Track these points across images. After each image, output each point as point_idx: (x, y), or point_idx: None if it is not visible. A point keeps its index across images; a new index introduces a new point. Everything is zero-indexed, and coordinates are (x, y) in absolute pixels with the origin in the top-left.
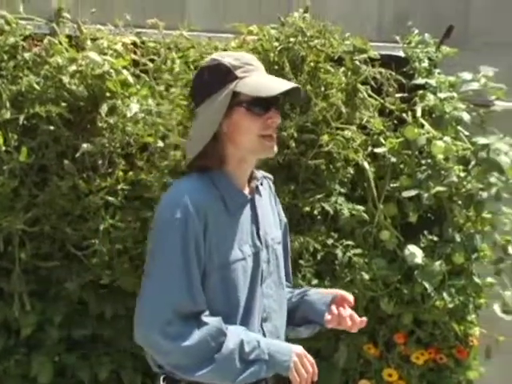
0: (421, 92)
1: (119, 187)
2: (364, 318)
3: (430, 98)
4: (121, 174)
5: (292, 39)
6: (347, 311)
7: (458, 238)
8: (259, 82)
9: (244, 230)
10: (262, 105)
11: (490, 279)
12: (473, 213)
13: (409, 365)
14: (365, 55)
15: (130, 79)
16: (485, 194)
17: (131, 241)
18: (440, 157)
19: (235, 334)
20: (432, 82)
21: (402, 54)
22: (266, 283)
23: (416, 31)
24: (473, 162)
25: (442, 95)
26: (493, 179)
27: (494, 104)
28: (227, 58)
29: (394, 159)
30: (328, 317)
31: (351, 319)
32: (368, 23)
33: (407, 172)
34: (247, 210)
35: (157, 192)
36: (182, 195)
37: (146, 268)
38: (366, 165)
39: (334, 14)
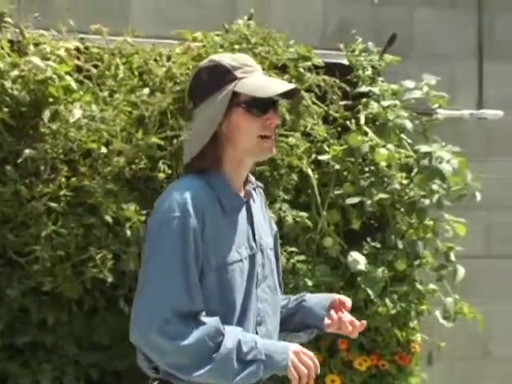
0: (364, 100)
1: (62, 193)
2: (364, 322)
3: (374, 106)
4: (63, 180)
5: (236, 46)
6: (347, 316)
7: (400, 244)
8: (258, 82)
9: (240, 232)
10: (260, 106)
11: (431, 286)
12: (415, 220)
13: (351, 371)
14: (309, 63)
15: (73, 85)
16: (427, 202)
17: (74, 247)
18: (383, 164)
19: (233, 334)
20: (375, 90)
21: (345, 62)
22: (260, 287)
23: (360, 39)
24: (415, 170)
25: (385, 103)
26: (435, 186)
27: (436, 112)
28: (226, 59)
29: (337, 166)
30: (328, 321)
31: (351, 324)
32: (312, 31)
33: (350, 179)
34: (243, 213)
35: (99, 198)
36: (179, 195)
37: (144, 268)
38: (309, 172)
39: (279, 22)
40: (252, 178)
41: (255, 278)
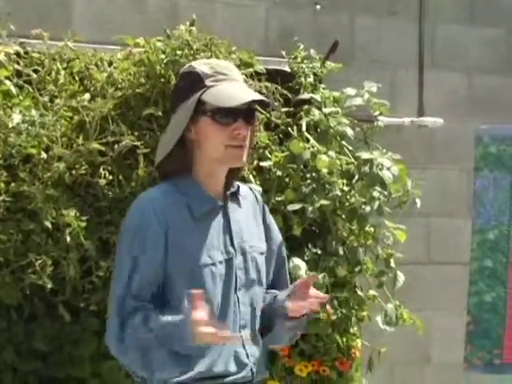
0: (306, 107)
1: (1, 199)
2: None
3: (315, 113)
4: (3, 185)
5: (178, 52)
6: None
7: (341, 251)
8: (225, 91)
9: (214, 236)
10: (227, 115)
11: (372, 292)
12: (356, 226)
13: (292, 377)
14: (251, 69)
15: (13, 90)
16: (368, 208)
17: (13, 253)
18: (324, 171)
19: (158, 331)
20: (317, 97)
21: (287, 68)
22: (242, 291)
23: (302, 46)
24: (356, 177)
25: (326, 110)
26: (375, 193)
27: (377, 119)
28: (202, 66)
29: (279, 173)
30: (288, 303)
31: (316, 297)
32: (254, 38)
33: (292, 186)
34: (219, 217)
35: (39, 204)
36: (144, 202)
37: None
38: (251, 178)
39: (221, 28)
40: (234, 183)
41: (234, 281)
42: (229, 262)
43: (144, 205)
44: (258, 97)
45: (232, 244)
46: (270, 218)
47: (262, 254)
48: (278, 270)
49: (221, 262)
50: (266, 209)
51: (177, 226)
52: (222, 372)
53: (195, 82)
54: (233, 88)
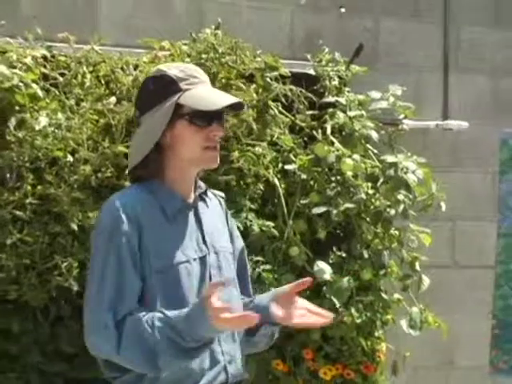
0: (331, 110)
1: (27, 201)
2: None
3: (340, 116)
4: (29, 188)
5: (204, 55)
6: (300, 303)
7: (366, 254)
8: (202, 95)
9: (187, 234)
10: (204, 118)
11: (397, 295)
12: (381, 230)
13: (317, 380)
14: (276, 72)
15: (40, 93)
16: (392, 212)
17: (39, 256)
18: (349, 174)
19: (163, 330)
20: (342, 100)
21: (312, 72)
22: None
23: (326, 50)
24: (381, 180)
25: (351, 113)
26: (400, 197)
27: (402, 123)
28: (173, 70)
29: (304, 176)
30: (274, 308)
31: (311, 312)
32: (280, 41)
33: (317, 189)
34: (191, 217)
35: (65, 207)
36: (115, 203)
37: (88, 273)
38: (276, 181)
39: (246, 31)
40: (201, 184)
41: (208, 279)
42: (203, 260)
43: (116, 206)
44: (235, 99)
45: (204, 242)
46: (233, 223)
47: (231, 254)
48: (241, 275)
49: (195, 260)
50: (229, 214)
51: (150, 226)
52: (196, 368)
53: (168, 85)
54: (209, 91)
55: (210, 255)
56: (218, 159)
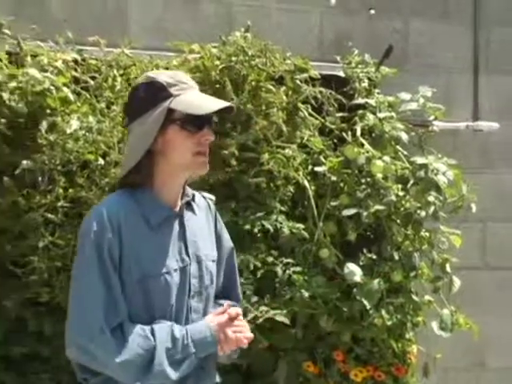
0: (360, 112)
1: (59, 204)
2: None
3: (370, 118)
4: (61, 191)
5: (233, 58)
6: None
7: (396, 256)
8: (193, 100)
9: (170, 244)
10: (195, 123)
11: (427, 297)
12: (411, 231)
13: (348, 382)
14: (305, 74)
15: (71, 96)
16: (423, 213)
17: (71, 258)
18: (379, 176)
19: (161, 341)
20: (371, 101)
21: (342, 73)
22: (195, 298)
23: (356, 51)
24: (411, 182)
25: (381, 115)
26: (431, 198)
27: (432, 124)
28: (162, 76)
29: (334, 178)
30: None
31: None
32: (309, 43)
33: (347, 191)
34: (175, 226)
35: None
36: (98, 211)
37: (71, 280)
38: (306, 183)
39: (275, 33)
40: (188, 191)
41: (187, 289)
42: (183, 270)
43: (98, 213)
44: (226, 104)
45: (187, 252)
46: (221, 226)
47: (213, 261)
48: (229, 278)
49: (175, 270)
50: (218, 216)
51: (131, 235)
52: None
53: (159, 91)
54: (199, 96)
55: (191, 265)
56: (208, 166)
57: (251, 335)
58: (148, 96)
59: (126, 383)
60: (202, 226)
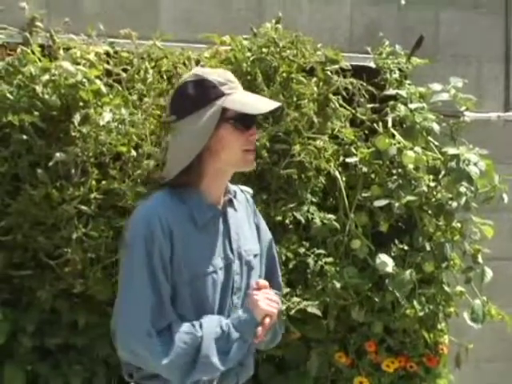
0: (392, 103)
1: (92, 196)
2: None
3: (401, 109)
4: (94, 183)
5: (264, 50)
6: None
7: (428, 246)
8: (246, 99)
9: (216, 243)
10: (246, 122)
11: (459, 288)
12: (443, 222)
13: (379, 373)
14: (336, 66)
15: (103, 89)
16: (454, 204)
17: (104, 250)
18: (410, 167)
19: (211, 331)
20: (403, 92)
21: (373, 64)
22: (237, 294)
23: (387, 42)
24: (443, 172)
25: (412, 106)
26: (462, 189)
27: (463, 115)
28: (212, 75)
29: (365, 169)
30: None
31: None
32: (340, 34)
33: (378, 181)
34: (219, 224)
35: (130, 201)
36: (148, 211)
37: (120, 281)
38: (337, 174)
39: (306, 25)
40: (231, 187)
41: (231, 286)
42: (228, 268)
43: (149, 214)
44: (277, 104)
45: (231, 249)
46: (259, 218)
47: (255, 256)
48: (270, 269)
49: (221, 269)
50: (256, 209)
51: (181, 236)
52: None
53: (211, 89)
54: (248, 95)
55: (234, 262)
56: (255, 163)
57: (279, 301)
58: (199, 94)
59: (176, 380)
60: (243, 221)
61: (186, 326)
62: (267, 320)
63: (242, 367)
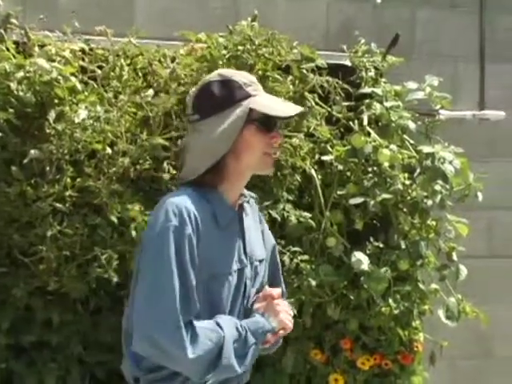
0: (367, 101)
1: (67, 194)
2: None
3: (377, 107)
4: (69, 180)
5: (240, 47)
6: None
7: (403, 244)
8: (270, 101)
9: (232, 245)
10: (270, 124)
11: (434, 286)
12: (418, 220)
13: (355, 370)
14: (312, 64)
15: (79, 86)
16: (430, 202)
17: (79, 247)
18: (386, 165)
19: (230, 333)
20: (378, 91)
21: (348, 63)
22: (246, 300)
23: (362, 41)
24: (418, 170)
25: (388, 104)
26: (437, 187)
27: (438, 113)
28: (237, 76)
29: (340, 167)
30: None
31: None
32: (315, 32)
33: (354, 179)
34: (236, 226)
35: (104, 198)
36: (176, 205)
37: (143, 272)
38: (313, 172)
39: (282, 23)
40: (245, 192)
41: (242, 290)
42: (241, 272)
43: (178, 207)
44: (301, 108)
45: (245, 253)
46: (264, 222)
47: (261, 261)
48: (273, 273)
49: (235, 272)
50: (260, 214)
51: (205, 233)
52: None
53: (237, 90)
54: (272, 98)
55: (247, 267)
56: (274, 167)
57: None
58: (225, 94)
59: (196, 378)
60: (253, 225)
61: (209, 323)
62: (281, 332)
63: (246, 371)
